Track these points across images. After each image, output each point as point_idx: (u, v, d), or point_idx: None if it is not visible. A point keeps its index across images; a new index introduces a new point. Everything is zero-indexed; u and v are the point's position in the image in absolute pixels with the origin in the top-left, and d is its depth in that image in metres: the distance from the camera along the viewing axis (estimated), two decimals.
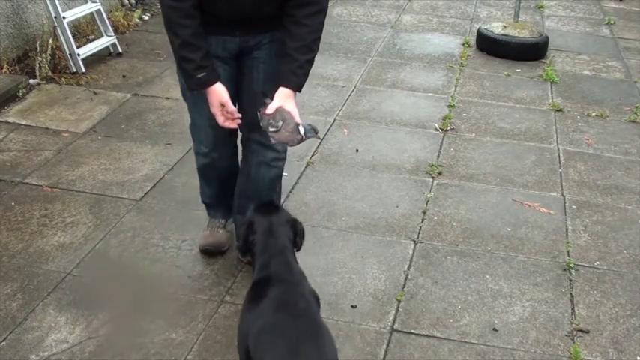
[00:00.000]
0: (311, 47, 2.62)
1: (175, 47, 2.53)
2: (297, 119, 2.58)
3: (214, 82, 2.58)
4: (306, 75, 2.65)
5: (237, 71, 2.78)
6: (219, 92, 2.59)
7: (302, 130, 2.53)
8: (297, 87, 2.64)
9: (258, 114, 2.63)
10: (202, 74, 2.54)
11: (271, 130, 2.56)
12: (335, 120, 4.65)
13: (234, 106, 2.73)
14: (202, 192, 3.26)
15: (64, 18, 5.10)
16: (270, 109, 2.57)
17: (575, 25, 6.90)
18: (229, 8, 2.56)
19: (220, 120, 2.63)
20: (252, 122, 2.74)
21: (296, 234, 2.49)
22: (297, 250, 2.52)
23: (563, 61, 5.92)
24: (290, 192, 3.80)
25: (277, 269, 2.31)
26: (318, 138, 2.58)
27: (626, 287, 3.19)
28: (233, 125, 2.67)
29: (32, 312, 2.87)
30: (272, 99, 2.61)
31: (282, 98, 2.60)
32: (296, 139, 2.56)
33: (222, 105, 2.61)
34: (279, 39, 2.68)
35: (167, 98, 4.82)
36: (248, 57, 2.75)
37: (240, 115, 2.67)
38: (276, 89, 2.64)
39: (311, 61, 2.65)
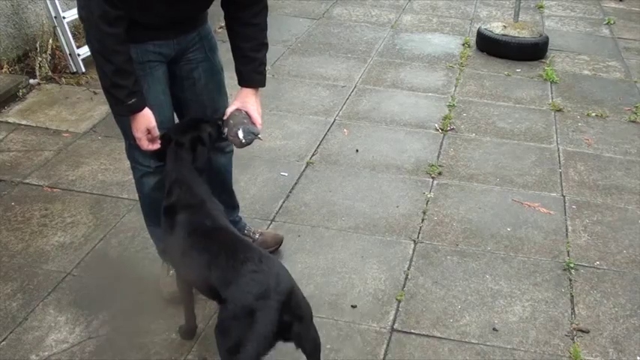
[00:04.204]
0: (264, 42, 2.69)
1: (108, 74, 2.43)
2: (254, 116, 2.67)
3: (143, 108, 2.51)
4: (265, 68, 2.72)
5: (171, 75, 2.72)
6: (147, 117, 2.53)
7: (241, 135, 2.61)
8: (263, 83, 2.72)
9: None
10: (133, 100, 2.47)
11: (222, 137, 2.69)
12: (335, 120, 4.65)
13: (169, 111, 2.74)
14: (157, 237, 2.96)
15: (64, 18, 5.10)
16: (226, 113, 2.67)
17: (575, 25, 6.90)
18: (169, 9, 2.49)
19: (144, 144, 2.58)
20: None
21: (194, 150, 2.59)
22: (198, 170, 2.62)
23: (563, 61, 5.92)
24: (290, 192, 3.80)
25: (180, 197, 2.54)
26: (260, 139, 2.75)
27: (626, 287, 3.19)
28: (155, 147, 2.61)
29: (32, 312, 2.87)
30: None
31: (242, 98, 2.67)
32: (238, 143, 2.64)
33: (148, 130, 2.56)
34: (206, 35, 2.73)
35: None
36: (183, 61, 2.70)
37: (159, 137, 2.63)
38: (217, 87, 2.76)
39: (266, 54, 2.72)
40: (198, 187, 2.58)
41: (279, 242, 3.29)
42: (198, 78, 2.74)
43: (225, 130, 2.65)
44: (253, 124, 2.66)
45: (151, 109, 2.56)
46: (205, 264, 2.38)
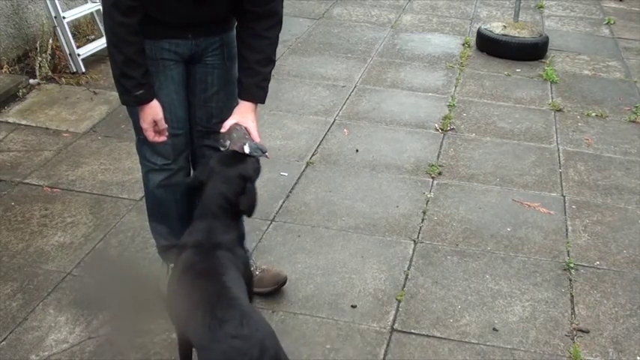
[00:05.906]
0: (272, 58, 2.64)
1: (118, 64, 2.44)
2: (254, 133, 2.58)
3: (151, 100, 2.52)
4: (268, 85, 2.65)
5: (187, 76, 2.71)
6: (154, 109, 2.53)
7: (247, 150, 2.50)
8: (263, 100, 2.65)
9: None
10: (141, 92, 2.48)
11: (221, 149, 2.58)
12: (335, 120, 4.65)
13: (181, 111, 2.70)
14: (158, 234, 2.96)
15: (64, 18, 5.10)
16: (225, 126, 2.57)
17: (575, 25, 6.90)
18: (182, 8, 2.49)
19: (151, 136, 2.58)
20: (204, 129, 2.75)
21: (243, 192, 2.40)
22: (244, 213, 2.44)
23: (563, 61, 5.92)
24: (290, 192, 3.80)
25: (197, 236, 2.33)
26: (267, 157, 2.60)
27: (626, 287, 3.19)
28: (162, 139, 2.61)
29: (32, 312, 2.87)
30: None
31: (242, 113, 2.59)
32: None
33: (155, 122, 2.56)
34: (228, 43, 2.68)
35: None
36: (200, 64, 2.67)
37: (167, 129, 2.61)
38: (228, 97, 2.69)
39: (271, 71, 2.67)
40: (228, 233, 2.37)
41: (278, 283, 3.01)
42: (211, 84, 2.70)
43: (227, 143, 2.53)
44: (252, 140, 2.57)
45: (162, 107, 2.56)
46: (185, 314, 2.15)
